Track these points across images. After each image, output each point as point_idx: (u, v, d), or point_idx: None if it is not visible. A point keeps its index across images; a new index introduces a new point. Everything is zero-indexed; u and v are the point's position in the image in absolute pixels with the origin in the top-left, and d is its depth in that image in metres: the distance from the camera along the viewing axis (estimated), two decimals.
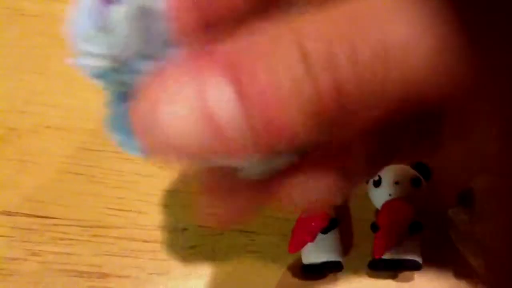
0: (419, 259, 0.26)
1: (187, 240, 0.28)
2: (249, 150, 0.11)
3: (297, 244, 0.26)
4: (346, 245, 0.28)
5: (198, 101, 0.11)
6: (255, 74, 0.11)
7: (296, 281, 0.27)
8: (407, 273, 0.27)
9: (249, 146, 0.11)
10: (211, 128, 0.11)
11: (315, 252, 0.26)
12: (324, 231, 0.26)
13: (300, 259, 0.27)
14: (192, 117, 0.11)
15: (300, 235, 0.26)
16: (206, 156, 0.11)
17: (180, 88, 0.11)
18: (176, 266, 0.27)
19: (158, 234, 0.28)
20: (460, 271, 0.27)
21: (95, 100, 0.31)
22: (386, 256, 0.26)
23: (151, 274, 0.27)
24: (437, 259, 0.28)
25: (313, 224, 0.26)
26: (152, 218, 0.28)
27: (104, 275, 0.27)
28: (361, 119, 0.12)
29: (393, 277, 0.27)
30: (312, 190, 0.14)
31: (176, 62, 0.12)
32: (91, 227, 0.28)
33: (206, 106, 0.11)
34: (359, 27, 0.11)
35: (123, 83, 0.13)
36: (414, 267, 0.26)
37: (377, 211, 0.28)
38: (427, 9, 0.11)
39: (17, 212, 0.28)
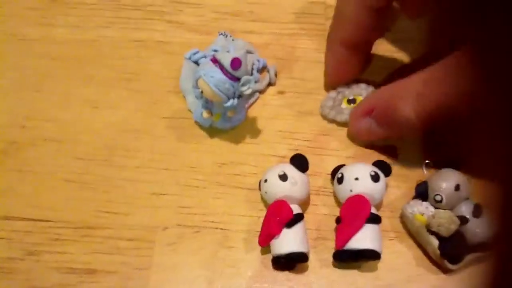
0: (378, 249, 0.28)
1: (168, 238, 0.30)
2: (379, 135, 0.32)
3: (265, 238, 0.29)
4: (315, 238, 0.30)
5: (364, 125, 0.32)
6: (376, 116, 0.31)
7: (267, 272, 0.29)
8: (370, 264, 0.29)
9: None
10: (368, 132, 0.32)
11: (281, 244, 0.28)
12: (289, 224, 0.28)
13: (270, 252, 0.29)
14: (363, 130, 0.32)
15: (268, 229, 0.28)
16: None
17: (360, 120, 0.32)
18: (158, 262, 0.30)
19: (142, 233, 0.30)
20: (419, 260, 0.29)
21: (87, 114, 0.34)
22: (347, 247, 0.28)
23: (135, 269, 0.29)
24: (397, 249, 0.30)
25: (278, 218, 0.28)
26: (136, 219, 0.31)
27: (93, 271, 0.29)
28: None
29: (358, 267, 0.29)
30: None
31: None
32: (82, 228, 0.31)
33: (368, 127, 0.32)
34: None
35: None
36: (373, 256, 0.28)
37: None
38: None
39: (16, 217, 0.31)
